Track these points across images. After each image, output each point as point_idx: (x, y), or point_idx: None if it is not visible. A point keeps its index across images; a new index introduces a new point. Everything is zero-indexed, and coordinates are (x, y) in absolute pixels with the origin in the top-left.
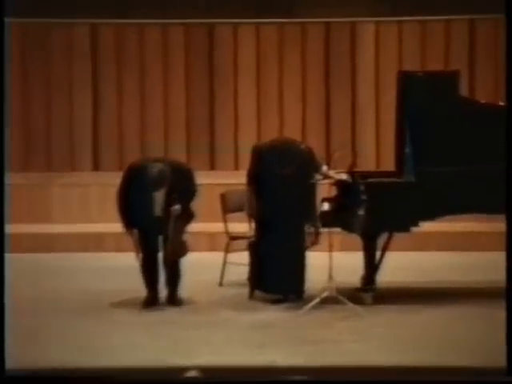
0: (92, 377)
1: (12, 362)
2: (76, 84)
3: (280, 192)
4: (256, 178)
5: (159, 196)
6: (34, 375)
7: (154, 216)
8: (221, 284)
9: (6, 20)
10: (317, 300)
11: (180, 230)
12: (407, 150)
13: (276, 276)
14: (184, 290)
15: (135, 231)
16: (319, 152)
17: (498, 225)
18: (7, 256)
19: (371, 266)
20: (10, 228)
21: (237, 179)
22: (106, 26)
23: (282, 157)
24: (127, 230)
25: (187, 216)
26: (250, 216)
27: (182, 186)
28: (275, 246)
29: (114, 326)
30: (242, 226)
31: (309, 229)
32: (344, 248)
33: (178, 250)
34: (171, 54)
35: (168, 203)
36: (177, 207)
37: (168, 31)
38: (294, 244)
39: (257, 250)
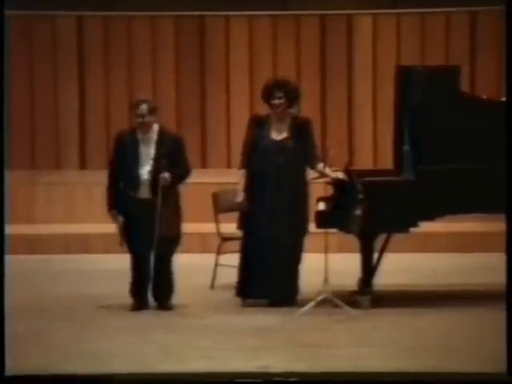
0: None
1: None
2: (61, 78)
3: (274, 180)
4: (250, 155)
5: (145, 155)
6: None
7: (141, 197)
8: (212, 287)
9: None
10: (312, 303)
11: (171, 206)
12: (406, 147)
13: (265, 279)
14: (174, 292)
15: (120, 218)
16: None
17: (499, 225)
18: None
19: (368, 268)
20: None
21: (229, 178)
22: (92, 18)
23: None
24: (110, 213)
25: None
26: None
27: (172, 155)
28: (266, 241)
29: (101, 331)
30: (235, 227)
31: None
32: (340, 249)
33: (170, 226)
34: (161, 48)
35: (157, 169)
36: (166, 175)
37: (157, 24)
38: (287, 240)
39: (245, 248)
